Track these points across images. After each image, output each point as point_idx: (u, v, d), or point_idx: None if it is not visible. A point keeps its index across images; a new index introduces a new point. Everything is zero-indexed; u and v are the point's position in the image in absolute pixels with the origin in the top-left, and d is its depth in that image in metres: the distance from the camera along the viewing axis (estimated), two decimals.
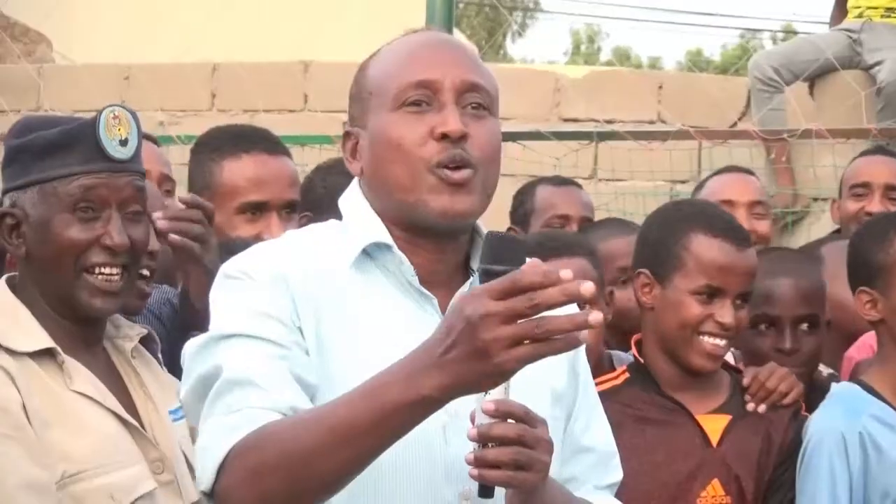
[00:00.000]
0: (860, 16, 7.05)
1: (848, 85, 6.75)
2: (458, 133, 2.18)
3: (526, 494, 2.06)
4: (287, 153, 3.40)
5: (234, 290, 2.19)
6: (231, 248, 2.63)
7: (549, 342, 1.84)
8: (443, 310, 2.18)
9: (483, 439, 1.97)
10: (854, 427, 3.04)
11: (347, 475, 1.98)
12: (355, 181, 2.32)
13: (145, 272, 2.85)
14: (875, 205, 4.55)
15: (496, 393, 1.95)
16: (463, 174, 2.19)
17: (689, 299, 3.02)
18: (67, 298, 2.64)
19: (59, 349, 2.60)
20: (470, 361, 1.85)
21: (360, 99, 2.29)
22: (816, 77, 7.05)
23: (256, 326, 2.13)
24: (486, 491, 1.99)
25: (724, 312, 3.00)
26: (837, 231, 4.78)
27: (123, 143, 2.66)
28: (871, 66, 6.88)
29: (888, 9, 7.02)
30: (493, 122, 2.26)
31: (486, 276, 1.90)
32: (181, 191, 3.39)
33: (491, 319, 1.83)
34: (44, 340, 2.60)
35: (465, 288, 2.19)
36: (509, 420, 1.98)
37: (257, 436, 2.00)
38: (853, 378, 3.26)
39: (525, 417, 2.00)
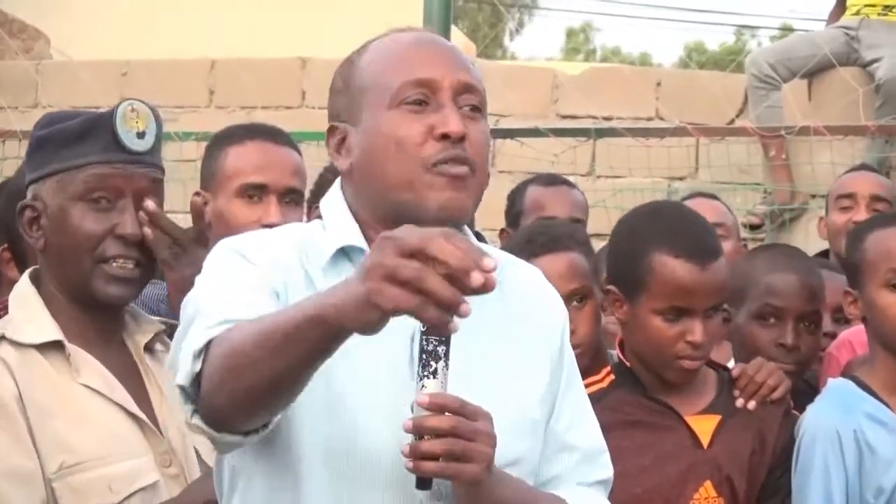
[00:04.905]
0: (857, 13, 7.06)
1: (845, 82, 6.75)
2: (459, 134, 2.17)
3: (470, 486, 2.06)
4: (294, 147, 3.40)
5: (228, 263, 2.17)
6: None
7: (423, 302, 1.78)
8: None
9: (417, 431, 2.00)
10: (849, 424, 3.04)
11: (270, 386, 1.92)
12: (338, 182, 2.30)
13: None
14: (861, 214, 4.54)
15: (432, 386, 1.98)
16: (462, 169, 2.18)
17: (657, 319, 2.95)
18: (84, 287, 2.66)
19: (66, 342, 2.62)
20: (355, 283, 1.81)
21: (349, 94, 2.26)
22: (814, 74, 7.06)
23: (247, 280, 2.12)
24: (423, 483, 2.03)
25: (695, 330, 2.93)
26: (825, 252, 4.78)
27: (140, 135, 2.69)
28: (869, 63, 6.89)
29: (885, 6, 7.03)
30: (485, 125, 2.26)
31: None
32: (193, 186, 3.41)
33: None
34: (51, 333, 2.62)
35: None
36: (446, 413, 2.00)
37: (216, 343, 1.98)
38: (847, 374, 3.27)
39: (460, 410, 2.01)
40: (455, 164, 2.18)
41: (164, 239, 2.81)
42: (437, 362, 1.97)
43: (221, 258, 2.19)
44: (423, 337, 1.97)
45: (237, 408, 1.96)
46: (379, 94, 2.22)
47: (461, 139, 2.18)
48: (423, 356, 1.98)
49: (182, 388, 2.00)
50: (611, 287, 3.05)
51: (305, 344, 1.88)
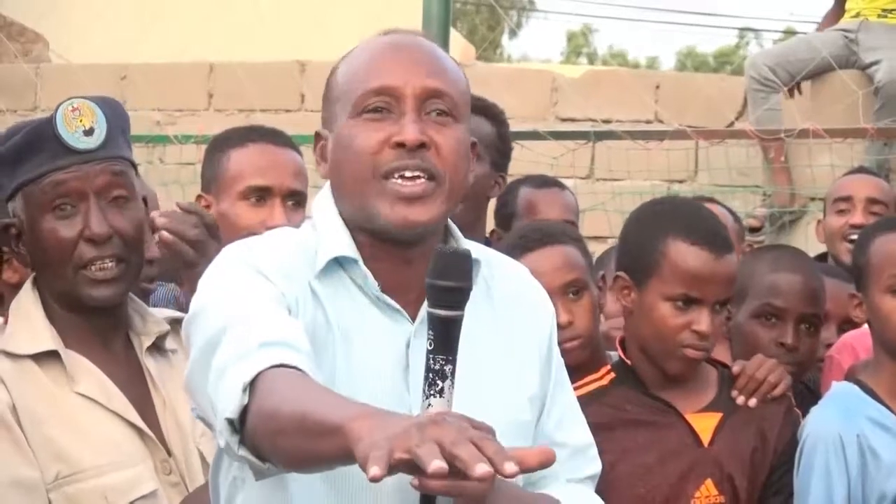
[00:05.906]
0: (857, 15, 7.05)
1: (845, 84, 6.75)
2: (414, 143, 2.15)
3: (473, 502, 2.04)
4: (295, 148, 3.41)
5: (245, 276, 2.13)
6: None
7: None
8: (412, 316, 2.18)
9: None
10: (852, 429, 3.04)
11: (300, 463, 1.93)
12: (328, 184, 2.30)
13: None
14: (858, 217, 4.54)
15: (439, 405, 1.96)
16: (417, 187, 2.16)
17: (666, 306, 2.95)
18: (72, 295, 2.65)
19: (62, 350, 2.61)
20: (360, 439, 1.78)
21: (329, 101, 2.27)
22: (813, 77, 7.05)
23: (263, 288, 2.11)
24: (427, 501, 2.00)
25: (702, 320, 2.93)
26: (824, 255, 4.78)
27: (88, 132, 2.66)
28: (868, 66, 6.88)
29: (885, 9, 7.03)
30: (457, 129, 2.21)
31: (431, 290, 1.93)
32: (193, 189, 3.40)
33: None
34: (47, 343, 2.61)
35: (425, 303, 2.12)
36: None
37: (266, 384, 1.94)
38: (851, 377, 3.26)
39: None
40: (410, 180, 2.16)
41: (189, 226, 2.80)
42: (443, 381, 1.95)
43: (235, 269, 2.16)
44: (430, 356, 1.95)
45: (280, 462, 1.95)
46: (345, 103, 2.22)
47: (419, 147, 2.16)
48: (430, 375, 1.95)
49: (230, 421, 1.95)
50: (620, 273, 3.05)
51: (330, 452, 1.85)
